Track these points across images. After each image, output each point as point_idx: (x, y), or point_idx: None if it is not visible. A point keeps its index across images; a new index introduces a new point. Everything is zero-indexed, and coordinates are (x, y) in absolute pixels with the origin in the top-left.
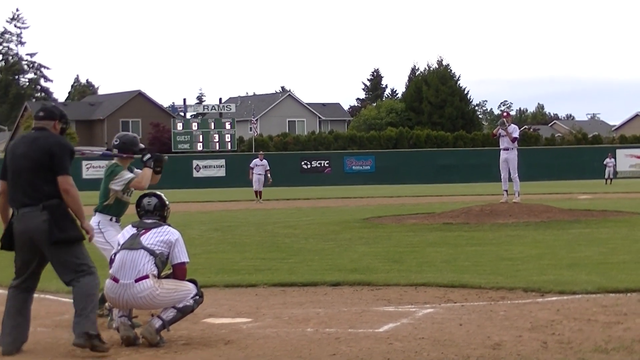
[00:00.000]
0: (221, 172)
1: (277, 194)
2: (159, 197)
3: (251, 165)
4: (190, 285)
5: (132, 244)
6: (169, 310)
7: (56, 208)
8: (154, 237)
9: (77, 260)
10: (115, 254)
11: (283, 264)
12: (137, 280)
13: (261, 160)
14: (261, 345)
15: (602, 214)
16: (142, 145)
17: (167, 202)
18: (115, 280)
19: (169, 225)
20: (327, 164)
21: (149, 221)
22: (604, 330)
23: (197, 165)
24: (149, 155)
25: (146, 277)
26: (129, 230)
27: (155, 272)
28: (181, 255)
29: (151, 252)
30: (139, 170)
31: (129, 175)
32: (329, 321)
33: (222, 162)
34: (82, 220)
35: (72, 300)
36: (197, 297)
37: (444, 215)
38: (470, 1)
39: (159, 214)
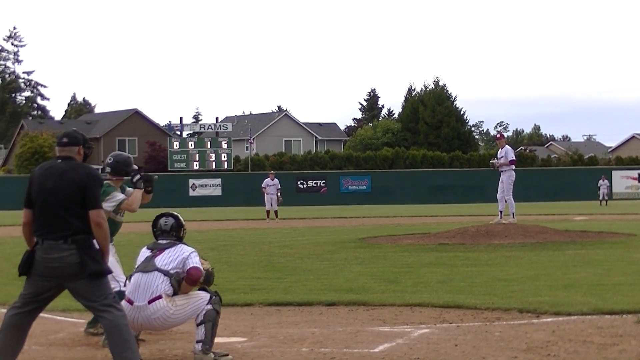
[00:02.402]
0: (217, 191)
1: (272, 213)
2: (175, 217)
3: (263, 185)
4: (202, 293)
5: (146, 266)
6: (198, 330)
7: (84, 241)
8: (168, 258)
9: (105, 292)
10: (130, 276)
11: (278, 284)
12: (150, 302)
13: (272, 180)
14: None
15: (597, 235)
16: (135, 167)
17: (183, 223)
18: (130, 302)
19: (185, 244)
20: (323, 183)
21: (164, 242)
22: (599, 351)
23: (193, 184)
24: (138, 177)
25: (159, 297)
26: (144, 253)
27: (170, 292)
28: (193, 262)
29: (165, 273)
30: (130, 190)
31: (121, 196)
32: (324, 341)
33: (219, 181)
34: (105, 256)
35: (67, 318)
36: (212, 297)
37: (440, 236)
38: (467, 22)
39: (175, 234)
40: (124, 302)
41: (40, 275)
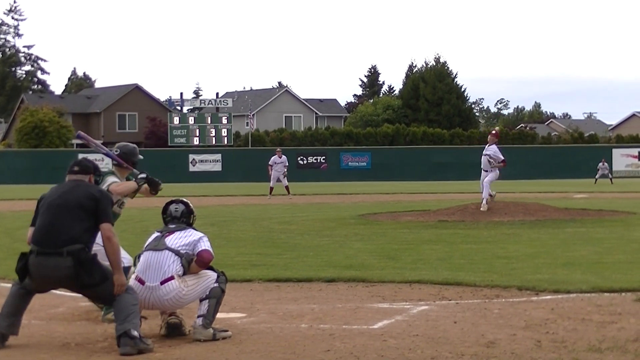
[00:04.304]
0: (217, 167)
1: (282, 189)
2: (186, 204)
3: (270, 162)
4: (210, 272)
5: (157, 245)
6: (201, 305)
7: (80, 252)
8: (179, 240)
9: (109, 291)
10: (139, 255)
11: (278, 260)
12: (162, 283)
13: (280, 157)
14: (255, 341)
15: (597, 213)
16: (141, 157)
17: (193, 210)
18: (141, 282)
19: (194, 229)
20: (323, 159)
21: (173, 226)
22: (598, 329)
23: (194, 159)
24: (143, 176)
25: (171, 278)
26: (153, 235)
27: (181, 272)
28: (204, 246)
29: (176, 253)
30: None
31: (112, 179)
32: (324, 317)
33: (219, 156)
34: (116, 271)
35: (67, 293)
36: (219, 277)
37: (440, 213)
38: None
39: (185, 220)
40: (134, 282)
41: (40, 284)
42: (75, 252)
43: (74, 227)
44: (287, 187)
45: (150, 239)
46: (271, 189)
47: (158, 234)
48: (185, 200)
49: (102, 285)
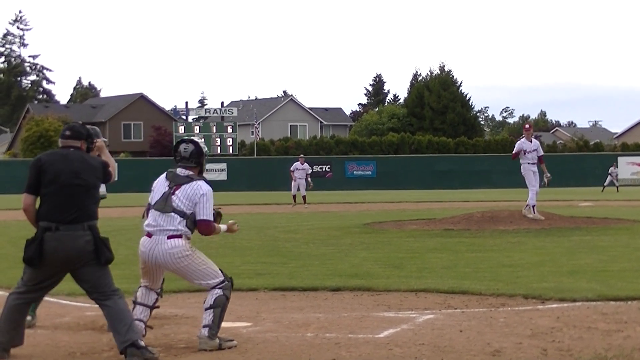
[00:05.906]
0: (222, 176)
1: (277, 198)
2: (196, 144)
3: (292, 168)
4: (220, 271)
5: (164, 207)
6: (205, 314)
7: (96, 228)
8: (184, 197)
9: (111, 280)
10: (148, 210)
11: (283, 269)
12: (169, 237)
13: (302, 164)
14: (261, 350)
15: (603, 221)
16: (105, 139)
17: (204, 150)
18: (149, 235)
19: (203, 179)
20: (328, 168)
21: (182, 174)
22: (604, 338)
23: None
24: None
25: (179, 236)
26: (162, 184)
27: (189, 235)
28: (203, 212)
29: (182, 215)
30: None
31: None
32: (329, 326)
33: (224, 165)
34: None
35: (72, 302)
36: (225, 282)
37: (445, 221)
38: (473, 7)
39: (195, 160)
40: (144, 237)
41: (51, 265)
42: (94, 227)
43: (90, 204)
44: (304, 197)
45: (159, 187)
46: (294, 197)
47: (166, 183)
48: (195, 139)
49: (107, 269)
